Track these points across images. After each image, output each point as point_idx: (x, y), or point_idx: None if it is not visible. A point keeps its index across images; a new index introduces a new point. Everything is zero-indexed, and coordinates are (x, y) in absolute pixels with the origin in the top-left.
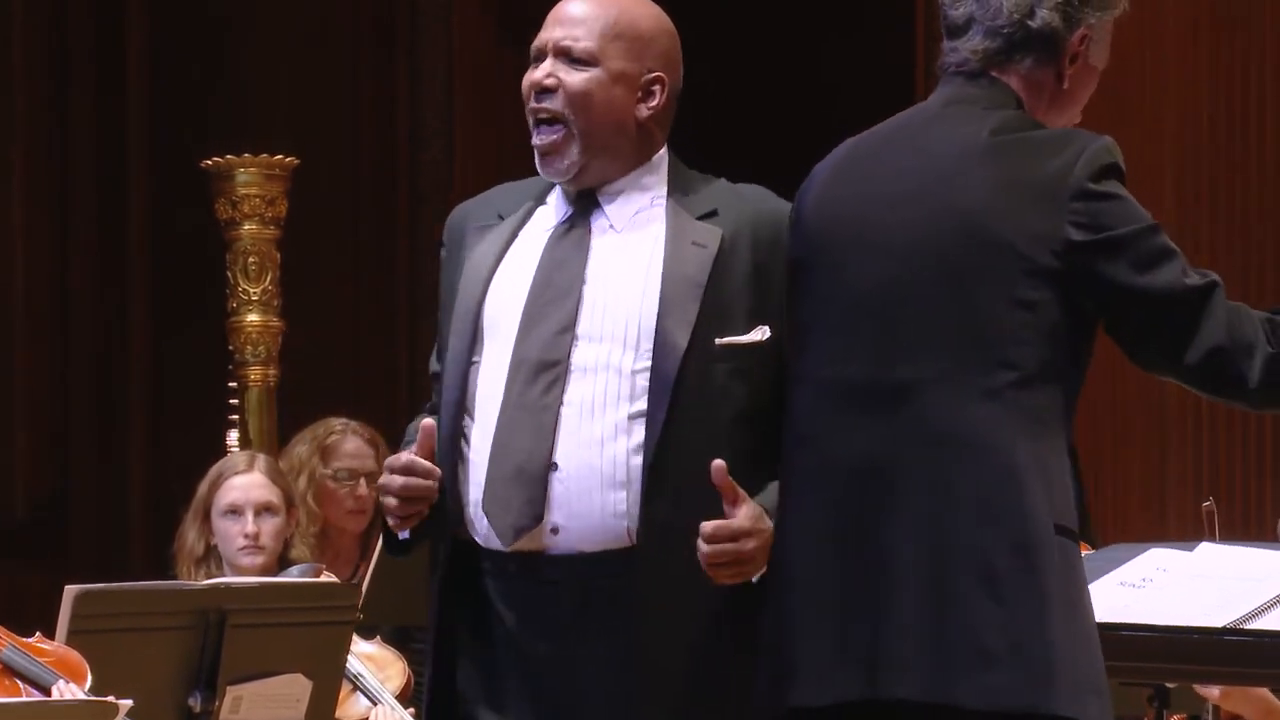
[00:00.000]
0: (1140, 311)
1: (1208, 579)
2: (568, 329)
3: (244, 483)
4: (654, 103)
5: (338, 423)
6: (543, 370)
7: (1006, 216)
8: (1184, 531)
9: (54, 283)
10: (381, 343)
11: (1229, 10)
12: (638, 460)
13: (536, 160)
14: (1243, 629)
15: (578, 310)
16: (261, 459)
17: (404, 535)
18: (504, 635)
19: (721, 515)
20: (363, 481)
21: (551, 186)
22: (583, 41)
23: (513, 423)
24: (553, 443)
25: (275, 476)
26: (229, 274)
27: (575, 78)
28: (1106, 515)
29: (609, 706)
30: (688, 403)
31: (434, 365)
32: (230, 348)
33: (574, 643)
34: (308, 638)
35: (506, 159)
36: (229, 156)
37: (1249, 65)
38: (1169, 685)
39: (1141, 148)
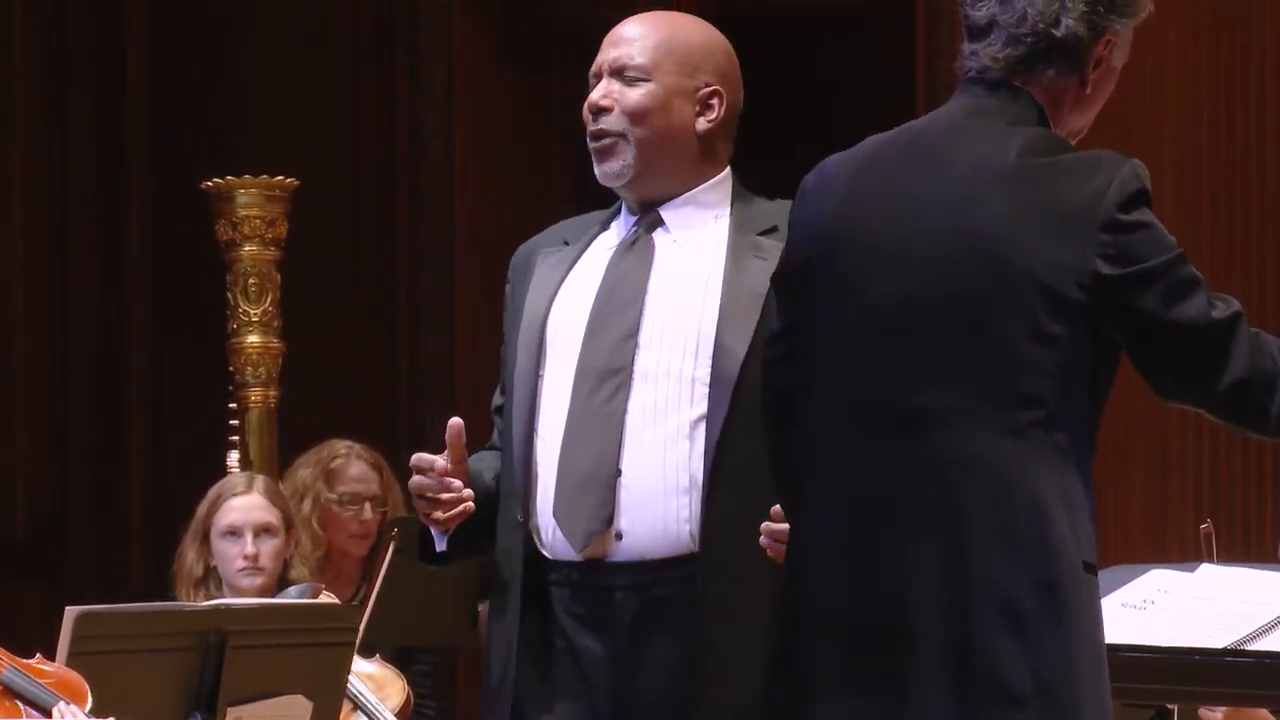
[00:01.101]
0: (1167, 344)
1: (1209, 600)
2: (630, 336)
3: (243, 504)
4: (713, 115)
5: (341, 446)
6: (607, 377)
7: (1030, 246)
8: (1185, 548)
9: (54, 298)
10: (382, 361)
11: (1229, 11)
12: (699, 465)
13: (594, 164)
14: (1244, 650)
15: (640, 318)
16: (260, 480)
17: (441, 546)
18: (564, 643)
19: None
20: (367, 506)
21: (615, 213)
22: (636, 58)
23: (580, 430)
24: (619, 449)
25: (274, 497)
26: (229, 295)
27: (630, 94)
28: (1107, 530)
29: (666, 712)
30: (746, 408)
31: (497, 400)
32: (230, 369)
33: (632, 648)
34: (308, 659)
35: (506, 160)
36: (229, 178)
37: (1249, 67)
38: (1170, 707)
39: (1142, 150)
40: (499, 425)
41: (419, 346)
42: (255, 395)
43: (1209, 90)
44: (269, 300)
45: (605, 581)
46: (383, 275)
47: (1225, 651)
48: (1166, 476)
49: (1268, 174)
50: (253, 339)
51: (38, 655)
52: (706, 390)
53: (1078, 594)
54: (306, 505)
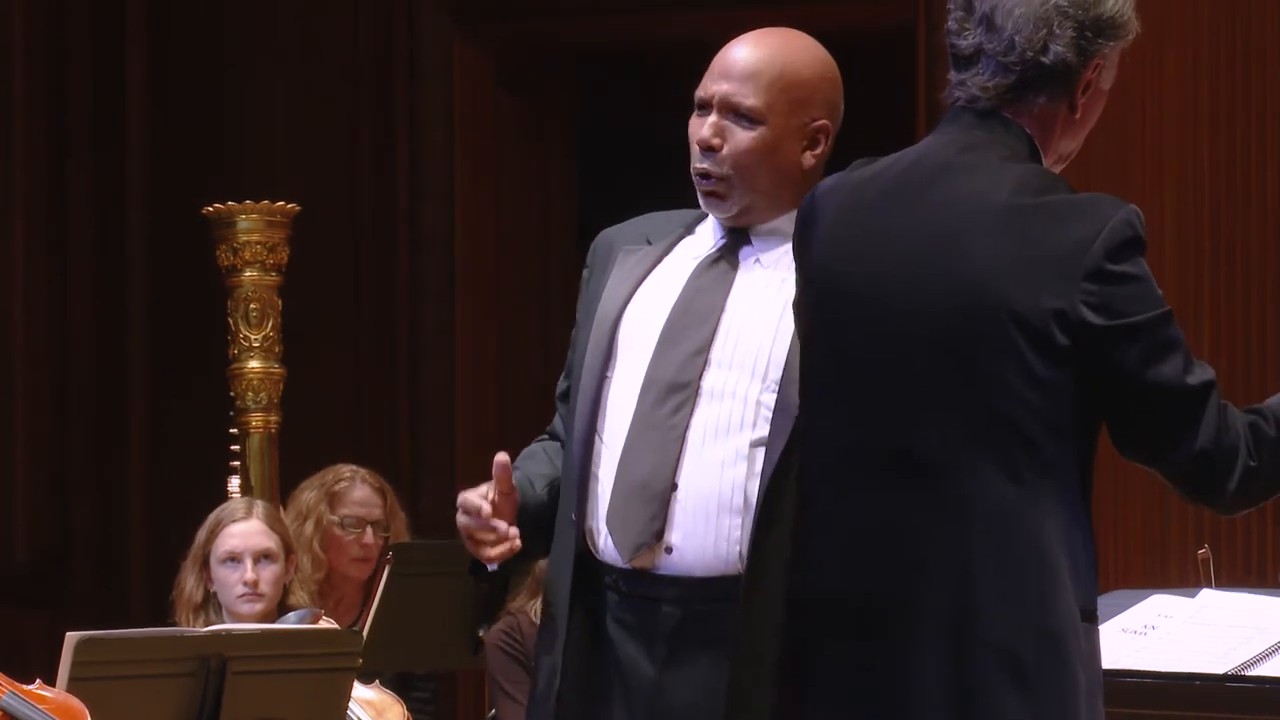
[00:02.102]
0: (1137, 402)
1: (1209, 626)
2: (701, 352)
3: (243, 530)
4: (819, 150)
5: (346, 469)
6: (673, 391)
7: (1020, 289)
8: (1185, 574)
9: (53, 327)
10: (382, 386)
11: (1229, 31)
12: (755, 487)
13: (700, 198)
14: (1244, 675)
15: (713, 336)
16: (260, 506)
17: (492, 566)
18: (610, 649)
19: None
20: (369, 530)
21: (702, 218)
22: (749, 99)
23: (640, 441)
24: (676, 463)
25: (274, 523)
26: (230, 321)
27: (742, 137)
28: (1107, 556)
29: None
30: None
31: (561, 385)
32: (231, 394)
33: (672, 660)
34: (308, 684)
35: (506, 187)
36: (230, 203)
37: (1249, 88)
38: None
39: (1142, 173)
40: (561, 412)
41: (419, 372)
42: (256, 420)
43: (1209, 112)
44: (270, 325)
45: (651, 592)
46: (383, 301)
47: (1226, 676)
48: (1166, 501)
49: (1269, 194)
50: (253, 364)
51: (38, 681)
52: (770, 414)
53: (1077, 644)
54: (309, 527)
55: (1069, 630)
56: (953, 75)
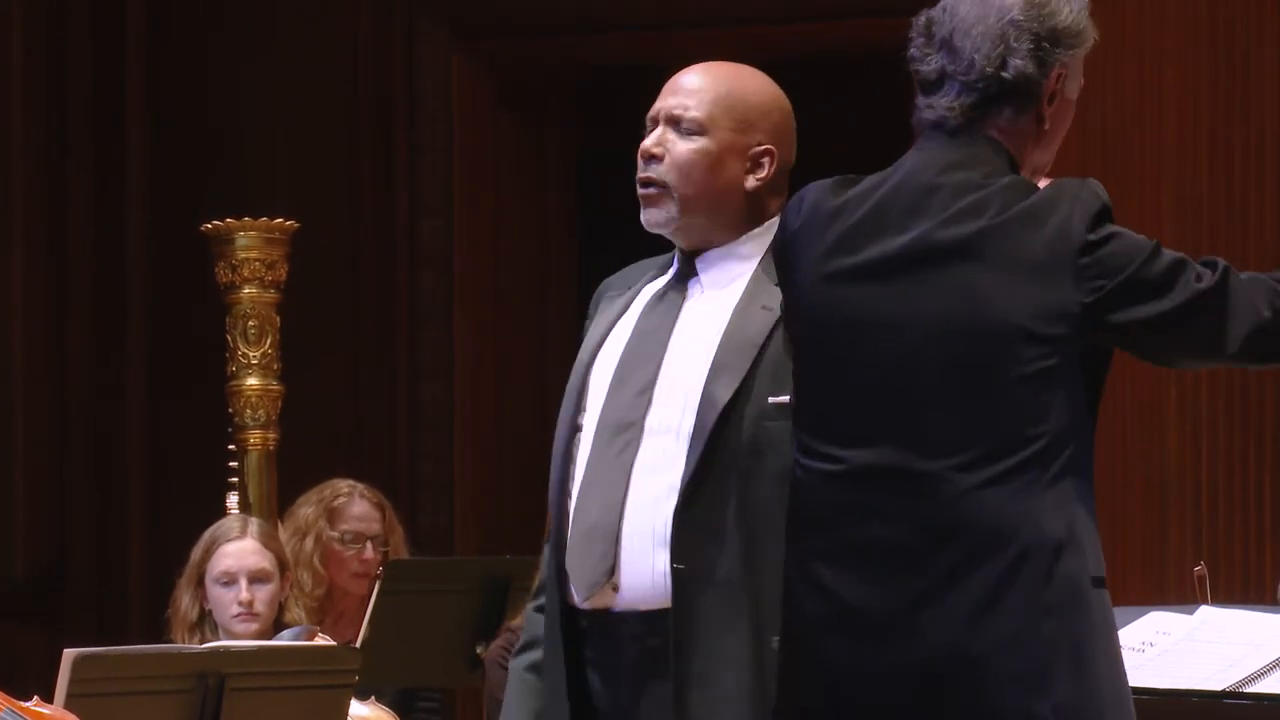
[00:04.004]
0: (1168, 332)
1: (1208, 643)
2: (645, 391)
3: (237, 550)
4: (762, 174)
5: (344, 485)
6: (620, 431)
7: (1018, 300)
8: (1183, 591)
9: (53, 340)
10: (381, 405)
11: (1228, 49)
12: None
13: (641, 210)
14: (1243, 692)
15: (657, 373)
16: (254, 524)
17: None
18: (584, 686)
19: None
20: (368, 545)
21: (671, 259)
22: (692, 111)
23: (592, 482)
24: (622, 502)
25: (268, 541)
26: (228, 338)
27: (681, 146)
28: (1106, 572)
29: None
30: (724, 458)
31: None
32: (230, 411)
33: (635, 696)
34: (306, 701)
35: (505, 207)
36: (228, 220)
37: (1249, 108)
38: None
39: (1141, 194)
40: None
41: (418, 389)
42: (254, 438)
43: (1208, 128)
44: (268, 343)
45: (610, 630)
46: (382, 318)
47: (1224, 694)
48: (1165, 518)
49: (1267, 209)
50: (252, 381)
51: (35, 697)
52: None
53: (1091, 617)
54: (308, 543)
55: (1083, 630)
56: (919, 100)
